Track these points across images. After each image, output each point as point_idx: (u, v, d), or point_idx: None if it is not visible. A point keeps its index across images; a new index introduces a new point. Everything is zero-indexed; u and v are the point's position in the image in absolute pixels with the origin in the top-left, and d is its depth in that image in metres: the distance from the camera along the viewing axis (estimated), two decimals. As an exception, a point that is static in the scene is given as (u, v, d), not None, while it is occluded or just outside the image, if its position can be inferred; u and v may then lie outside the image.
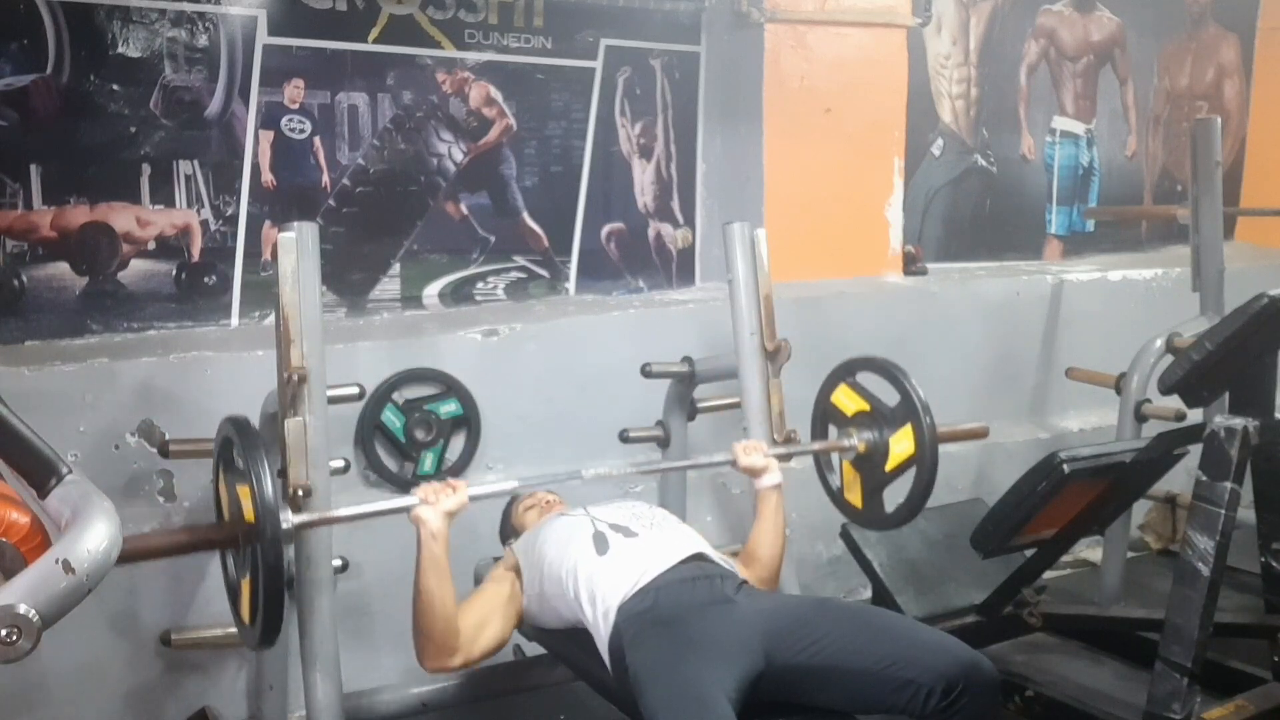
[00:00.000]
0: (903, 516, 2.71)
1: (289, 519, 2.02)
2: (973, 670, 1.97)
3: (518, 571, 2.42)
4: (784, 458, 2.60)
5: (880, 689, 1.99)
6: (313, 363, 2.19)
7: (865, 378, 2.70)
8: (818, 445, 2.74)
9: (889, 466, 2.64)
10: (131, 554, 1.93)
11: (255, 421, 2.52)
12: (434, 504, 2.16)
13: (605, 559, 2.25)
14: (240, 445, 1.98)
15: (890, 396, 2.62)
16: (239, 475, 1.98)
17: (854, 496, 2.75)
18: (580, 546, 2.29)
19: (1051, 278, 4.28)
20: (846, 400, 2.70)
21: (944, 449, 3.92)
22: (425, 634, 2.18)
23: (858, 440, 2.65)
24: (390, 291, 3.39)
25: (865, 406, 2.66)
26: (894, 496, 2.68)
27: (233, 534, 2.03)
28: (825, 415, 2.78)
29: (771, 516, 2.50)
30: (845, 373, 2.71)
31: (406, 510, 2.18)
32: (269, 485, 1.91)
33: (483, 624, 2.29)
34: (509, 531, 2.69)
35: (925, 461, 2.55)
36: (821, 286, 3.81)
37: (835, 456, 2.75)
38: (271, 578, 1.91)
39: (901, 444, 2.59)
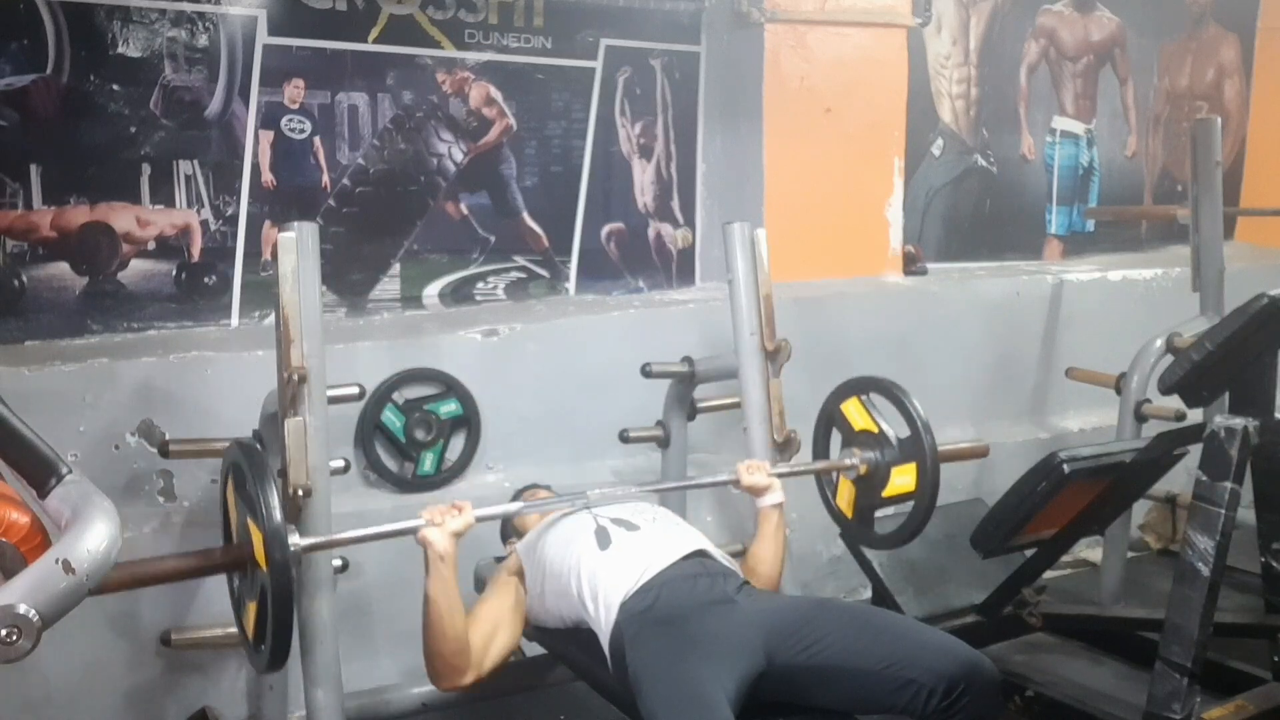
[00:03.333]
0: (890, 542, 2.75)
1: (296, 542, 2.01)
2: (974, 670, 1.97)
3: (520, 575, 2.42)
4: (786, 476, 2.59)
5: (881, 689, 1.99)
6: (313, 363, 2.20)
7: (878, 398, 2.69)
8: (819, 465, 2.75)
9: (886, 494, 2.65)
10: (138, 578, 1.94)
11: (256, 421, 2.54)
12: (440, 525, 2.15)
13: (607, 554, 2.25)
14: (249, 472, 1.97)
15: (899, 423, 2.62)
16: (248, 502, 1.98)
17: (845, 507, 2.75)
18: (583, 543, 2.29)
19: (1051, 278, 4.28)
20: (855, 414, 2.71)
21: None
22: (437, 655, 2.18)
23: (860, 462, 2.66)
24: (390, 291, 3.39)
25: (873, 428, 2.66)
26: (885, 519, 2.71)
27: (240, 557, 2.03)
28: (830, 419, 2.78)
29: (773, 534, 2.49)
30: (859, 389, 2.71)
31: (413, 532, 2.16)
32: (276, 511, 1.90)
33: (491, 636, 2.29)
34: (510, 531, 2.70)
35: (923, 503, 2.58)
36: (821, 286, 3.81)
37: (835, 474, 2.76)
38: (281, 605, 1.90)
39: (903, 477, 2.60)
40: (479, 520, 2.20)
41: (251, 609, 2.03)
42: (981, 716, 1.98)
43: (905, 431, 2.60)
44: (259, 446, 2.09)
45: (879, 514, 2.75)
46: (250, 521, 1.96)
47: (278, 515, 1.90)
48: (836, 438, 2.79)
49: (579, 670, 2.39)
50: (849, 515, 2.75)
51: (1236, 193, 5.08)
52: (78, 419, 2.71)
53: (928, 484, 2.55)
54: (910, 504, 2.62)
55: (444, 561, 2.13)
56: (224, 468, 2.13)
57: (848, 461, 2.67)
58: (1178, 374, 2.34)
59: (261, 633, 2.00)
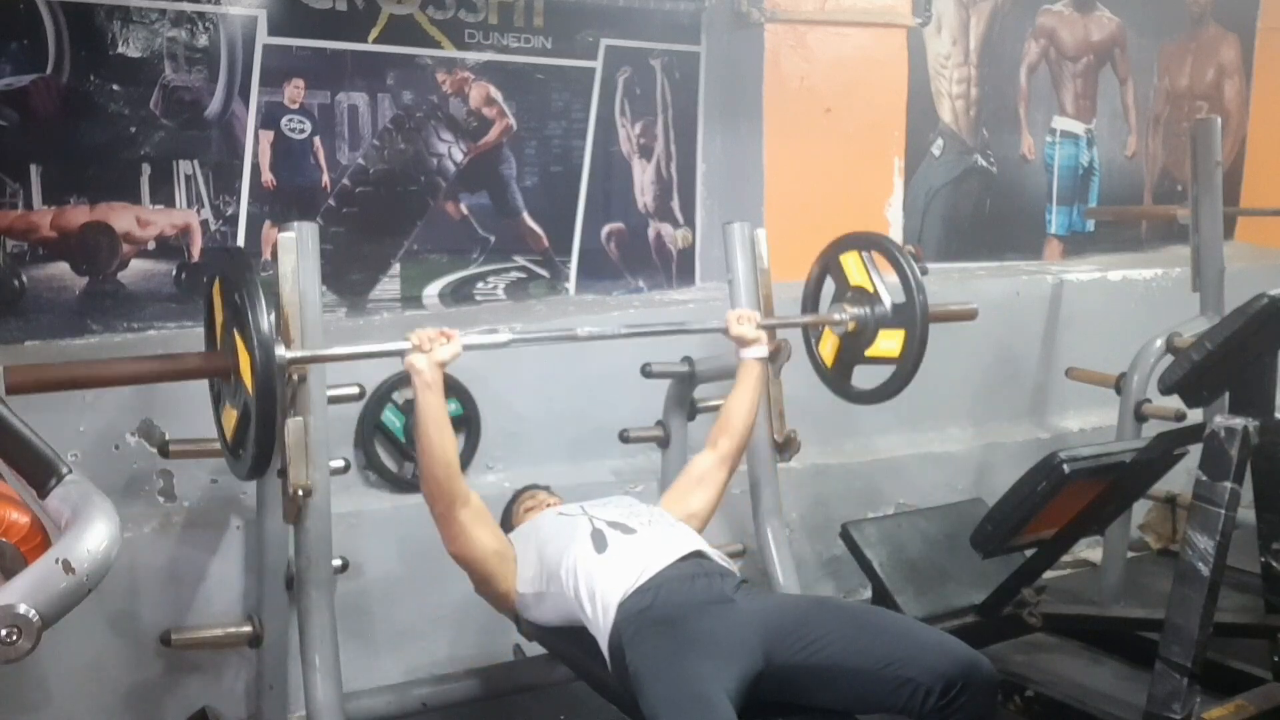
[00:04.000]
0: (865, 399, 2.78)
1: (282, 354, 2.04)
2: (972, 669, 1.97)
3: (511, 554, 2.41)
4: (774, 327, 2.65)
5: (879, 688, 1.99)
6: (313, 362, 2.20)
7: (880, 259, 2.70)
8: (809, 318, 2.78)
9: (869, 353, 2.69)
10: (118, 376, 1.97)
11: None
12: (428, 352, 2.19)
13: (604, 557, 2.25)
14: (236, 279, 1.99)
15: (896, 290, 2.63)
16: (234, 309, 2.00)
17: (826, 356, 2.79)
18: (579, 545, 2.29)
19: (1051, 278, 4.28)
20: (854, 268, 2.71)
21: (942, 449, 3.96)
22: (431, 476, 2.24)
23: (849, 318, 2.67)
24: (390, 291, 3.39)
25: (868, 286, 2.66)
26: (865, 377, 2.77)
27: (224, 365, 2.06)
28: (826, 267, 2.78)
29: (752, 386, 2.57)
30: (862, 243, 2.71)
31: (400, 354, 2.22)
32: (263, 316, 1.93)
33: (483, 516, 2.34)
34: (508, 528, 2.69)
35: (905, 369, 2.62)
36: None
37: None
38: (265, 415, 1.94)
39: (889, 341, 2.63)
40: (466, 349, 2.25)
41: (232, 416, 2.06)
42: (980, 716, 1.98)
43: (900, 297, 2.60)
44: (244, 252, 2.12)
45: (857, 370, 2.80)
46: (236, 330, 1.98)
47: (265, 321, 1.93)
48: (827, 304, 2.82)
49: (579, 670, 2.39)
50: (829, 364, 2.78)
51: (1236, 193, 5.07)
52: (78, 419, 2.71)
53: (913, 352, 2.59)
54: (892, 368, 2.65)
55: (431, 389, 2.20)
56: (209, 275, 2.15)
57: (837, 316, 2.71)
58: (1178, 374, 2.34)
59: (242, 439, 2.03)
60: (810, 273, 2.84)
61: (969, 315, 2.88)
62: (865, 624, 2.11)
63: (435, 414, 2.21)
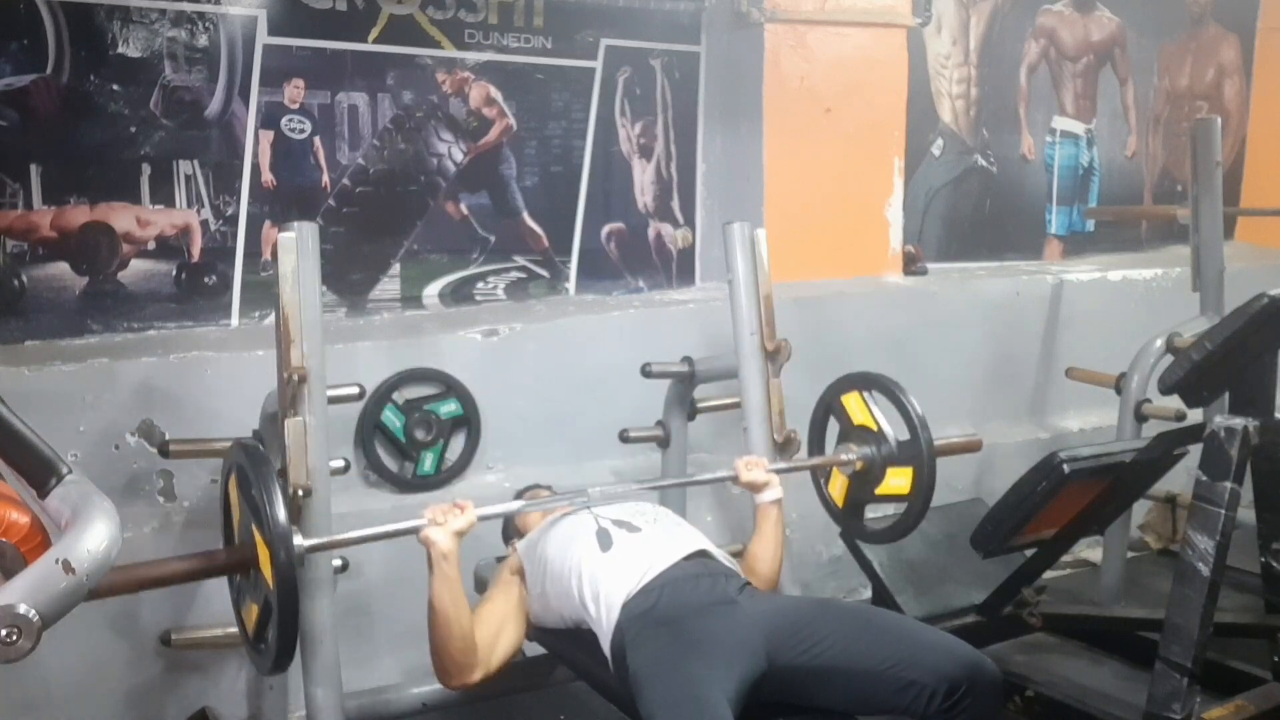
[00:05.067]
0: (880, 538, 2.77)
1: (300, 544, 2.01)
2: (975, 671, 1.97)
3: (521, 575, 2.42)
4: (785, 472, 2.60)
5: (883, 690, 1.99)
6: (313, 363, 2.20)
7: (879, 396, 2.68)
8: (816, 461, 2.75)
9: (879, 491, 2.66)
10: (140, 582, 1.94)
11: (256, 421, 2.54)
12: (443, 525, 2.14)
13: (609, 555, 2.25)
14: (252, 474, 1.97)
15: (898, 423, 2.61)
16: (251, 505, 1.98)
17: (837, 496, 2.77)
18: (584, 544, 2.29)
19: (1051, 278, 4.28)
20: (855, 408, 2.70)
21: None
22: (443, 653, 2.18)
23: (857, 458, 2.66)
24: (390, 291, 3.39)
25: (871, 425, 2.65)
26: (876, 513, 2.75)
27: (243, 559, 2.03)
28: (829, 410, 2.77)
29: (771, 531, 2.50)
30: (861, 384, 2.70)
31: (415, 531, 2.16)
32: (281, 513, 1.90)
33: (498, 634, 2.29)
34: (511, 532, 2.69)
35: (916, 507, 2.58)
36: (821, 286, 3.81)
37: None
38: (286, 608, 1.90)
39: (898, 479, 2.60)
40: (481, 519, 2.21)
41: (254, 610, 2.03)
42: (983, 717, 1.98)
43: (904, 434, 2.60)
44: (261, 447, 2.09)
45: (869, 509, 2.77)
46: (254, 525, 1.96)
47: (283, 519, 1.90)
48: (833, 429, 2.79)
49: (579, 670, 2.39)
50: (840, 505, 2.76)
51: (1236, 193, 5.07)
52: (78, 419, 2.71)
53: (922, 489, 2.55)
54: (904, 505, 2.62)
55: (447, 561, 2.13)
56: (225, 468, 2.13)
57: (844, 457, 2.68)
58: (1178, 374, 2.34)
59: (263, 634, 2.00)
60: (814, 413, 2.81)
61: (974, 447, 2.89)
62: (868, 625, 2.11)
63: (453, 590, 2.13)
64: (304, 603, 2.28)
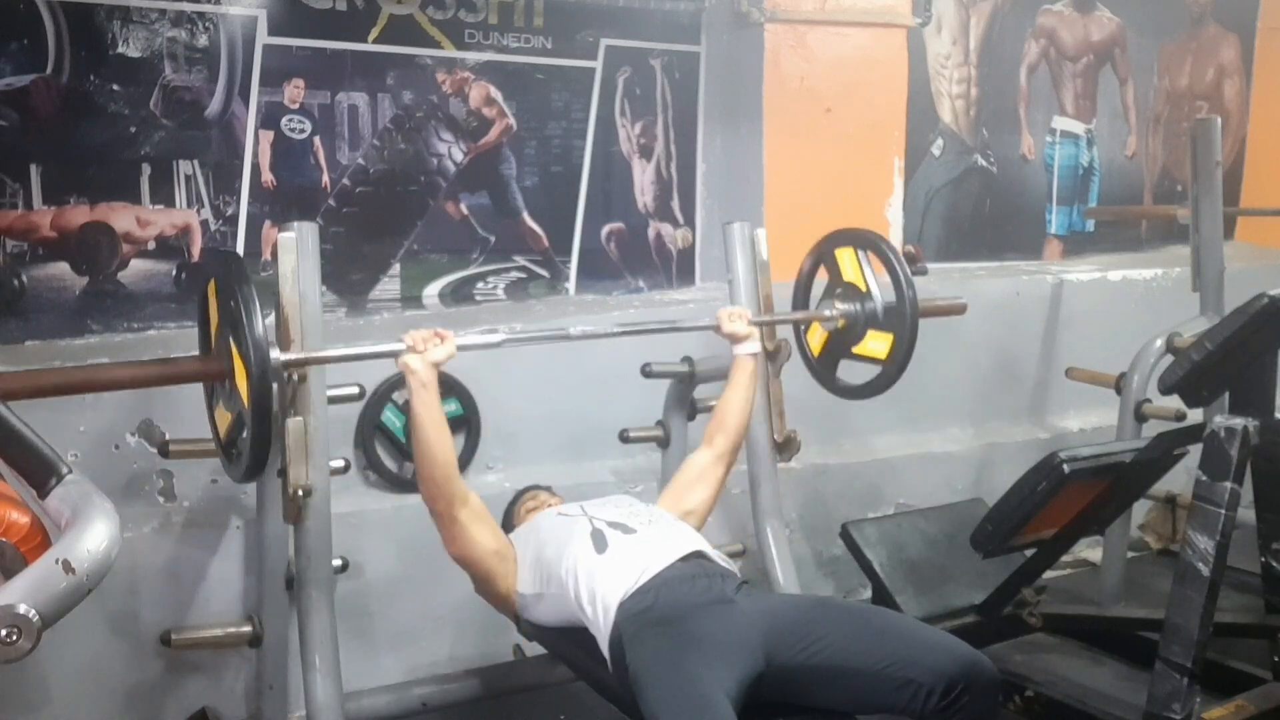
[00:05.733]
0: (849, 394, 2.81)
1: (277, 356, 2.05)
2: (973, 670, 1.97)
3: (512, 554, 2.41)
4: (765, 324, 2.66)
5: (881, 689, 1.99)
6: (313, 362, 2.20)
7: (874, 259, 2.70)
8: (800, 315, 2.79)
9: (856, 350, 2.71)
10: (115, 380, 1.98)
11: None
12: (422, 353, 2.20)
13: (604, 557, 2.25)
14: (229, 279, 1.99)
15: (888, 291, 2.63)
16: (229, 313, 2.00)
17: (814, 345, 2.81)
18: (579, 545, 2.29)
19: (1051, 278, 4.28)
20: (848, 263, 2.71)
21: (942, 449, 3.96)
22: (429, 477, 2.25)
23: (840, 315, 2.69)
24: (390, 291, 3.39)
25: (860, 284, 2.67)
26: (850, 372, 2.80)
27: (218, 369, 2.06)
28: (820, 259, 2.79)
29: (745, 382, 2.59)
30: (860, 242, 2.71)
31: (394, 355, 2.23)
32: (257, 320, 1.94)
33: (482, 514, 2.34)
34: (509, 529, 2.69)
35: (891, 372, 2.63)
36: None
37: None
38: (260, 418, 1.94)
39: (877, 343, 2.65)
40: (460, 349, 2.26)
41: (227, 418, 2.07)
42: (981, 716, 1.98)
43: (891, 298, 2.60)
44: (239, 256, 2.13)
45: (843, 364, 2.82)
46: (231, 336, 1.99)
47: (259, 325, 1.93)
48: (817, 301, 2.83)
49: (579, 670, 2.39)
50: (815, 354, 2.79)
51: (1236, 193, 5.07)
52: (78, 419, 2.71)
53: (899, 357, 2.60)
54: (879, 369, 2.67)
55: (426, 389, 2.21)
56: (204, 278, 2.15)
57: (827, 313, 2.73)
58: (1178, 374, 2.34)
59: (235, 441, 2.04)
60: (803, 265, 2.84)
61: (958, 310, 2.89)
62: (866, 624, 2.11)
63: (431, 414, 2.22)
64: (301, 598, 2.29)
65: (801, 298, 2.85)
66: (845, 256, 2.71)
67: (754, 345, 2.60)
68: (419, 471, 2.27)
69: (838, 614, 2.18)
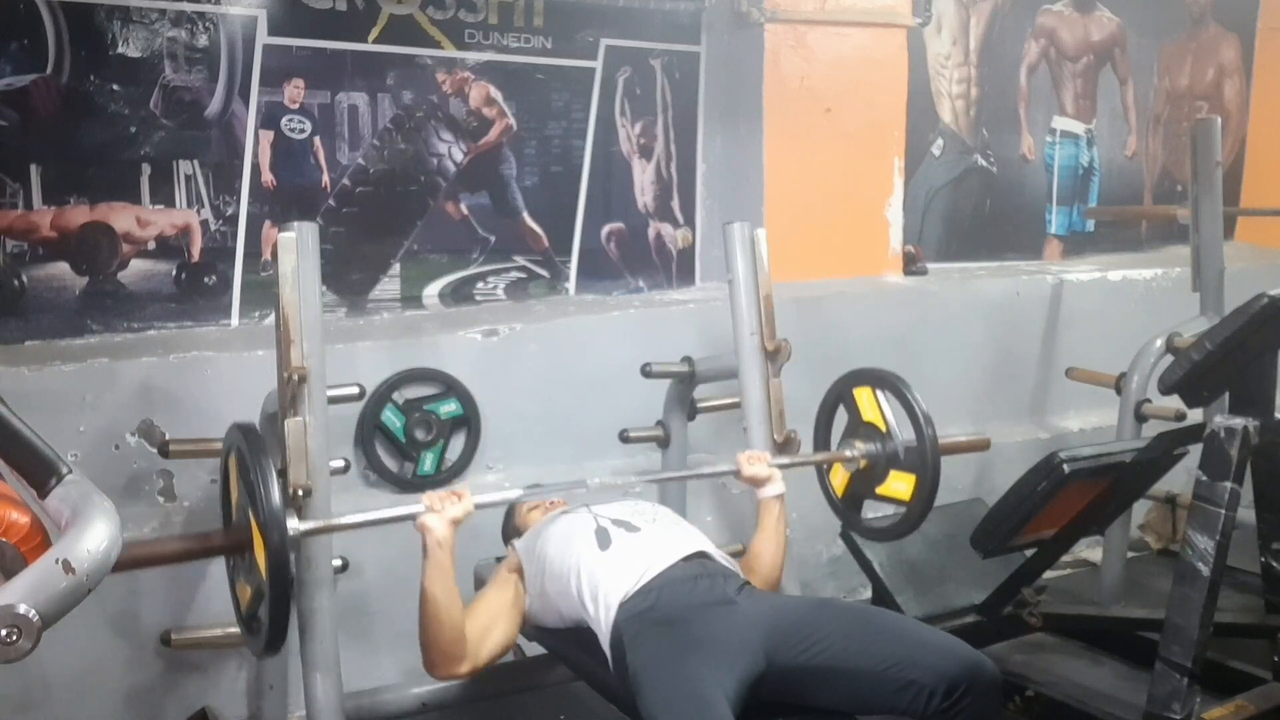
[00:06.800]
0: (875, 535, 2.77)
1: (295, 526, 2.02)
2: (975, 670, 1.97)
3: (520, 573, 2.42)
4: (787, 468, 2.59)
5: (882, 690, 1.99)
6: (313, 363, 2.20)
7: (891, 397, 2.66)
8: (820, 456, 2.72)
9: (880, 491, 2.63)
10: (137, 560, 1.95)
11: (256, 421, 2.53)
12: (440, 512, 2.15)
13: (608, 554, 2.25)
14: (247, 454, 1.97)
15: (906, 426, 2.58)
16: (247, 487, 1.98)
17: (838, 487, 2.76)
18: (582, 543, 2.29)
19: (1051, 278, 4.28)
20: (866, 403, 2.68)
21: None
22: (432, 643, 2.18)
23: (860, 455, 2.64)
24: (390, 291, 3.39)
25: (880, 424, 2.63)
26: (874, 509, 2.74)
27: (238, 541, 2.03)
28: (839, 399, 2.76)
29: (774, 526, 2.49)
30: (876, 381, 2.67)
31: (411, 518, 2.17)
32: (274, 494, 1.90)
33: (489, 628, 2.29)
34: (511, 532, 2.69)
35: (914, 514, 2.56)
36: (821, 286, 3.81)
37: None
38: (279, 590, 1.90)
39: (900, 483, 2.58)
40: (478, 507, 2.21)
41: (247, 591, 2.03)
42: (983, 717, 1.98)
43: (911, 438, 2.58)
44: (259, 430, 2.09)
45: (867, 504, 2.75)
46: (249, 508, 1.96)
47: (276, 499, 1.90)
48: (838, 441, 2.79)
49: (579, 670, 2.39)
50: (839, 495, 2.76)
51: (1236, 193, 5.07)
52: (78, 419, 2.71)
53: (923, 497, 2.53)
54: (903, 509, 2.62)
55: (442, 548, 2.14)
56: (225, 450, 2.13)
57: (848, 454, 2.66)
58: (1178, 374, 2.34)
59: (257, 616, 2.00)
60: (823, 401, 2.78)
61: (980, 446, 2.86)
62: (867, 625, 2.11)
63: (444, 576, 2.14)
64: (304, 601, 2.28)
65: (822, 436, 2.79)
66: (863, 396, 2.67)
67: (778, 487, 2.49)
68: (423, 634, 2.18)
69: (839, 615, 2.18)
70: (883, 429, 2.62)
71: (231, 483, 2.11)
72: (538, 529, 2.47)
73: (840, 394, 2.74)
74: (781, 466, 2.55)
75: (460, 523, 2.17)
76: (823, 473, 2.78)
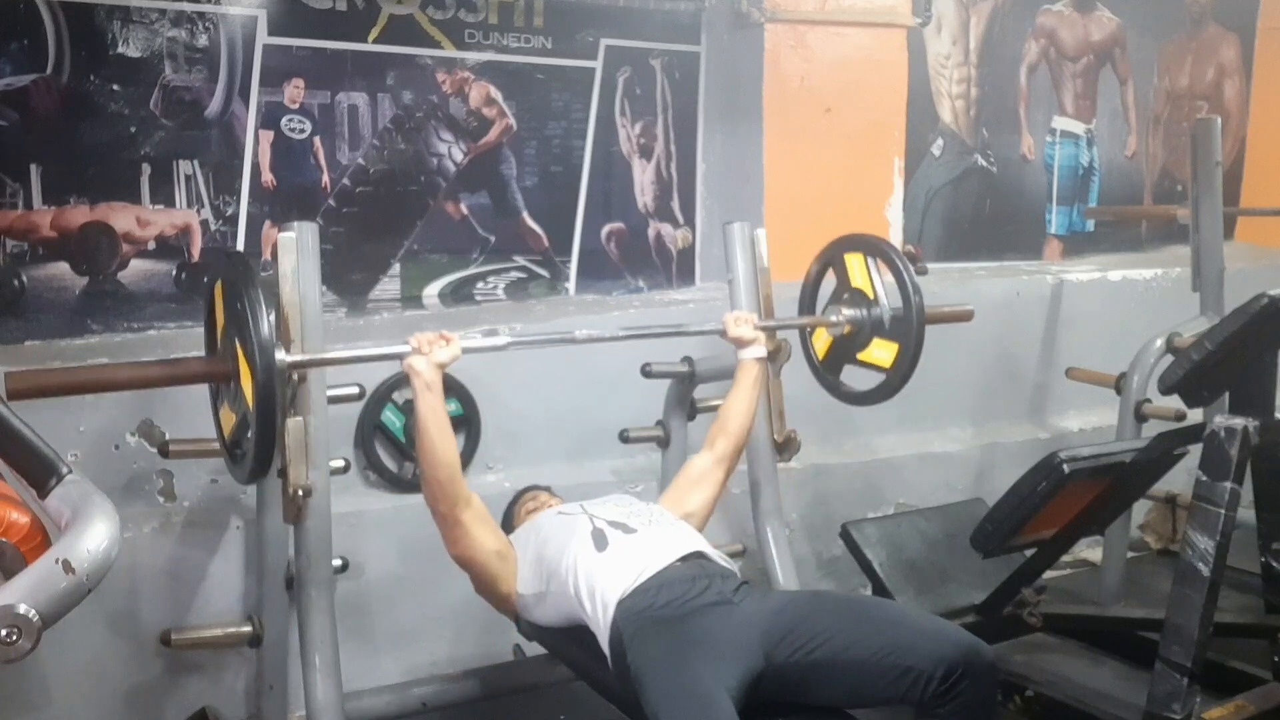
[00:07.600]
0: (850, 399, 2.81)
1: (283, 358, 2.05)
2: (971, 654, 1.97)
3: (511, 555, 2.41)
4: (771, 329, 2.66)
5: (880, 679, 1.99)
6: (313, 362, 2.20)
7: (883, 266, 2.70)
8: (806, 320, 2.79)
9: (861, 357, 2.70)
10: (121, 381, 1.98)
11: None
12: (427, 355, 2.21)
13: (604, 556, 2.25)
14: (237, 281, 1.99)
15: (894, 295, 2.63)
16: (235, 315, 2.00)
17: (819, 349, 2.81)
18: (579, 544, 2.29)
19: (1051, 278, 4.28)
20: (856, 269, 2.70)
21: (942, 449, 3.96)
22: (432, 479, 2.25)
23: (845, 322, 2.68)
24: (390, 291, 3.39)
25: (869, 291, 2.66)
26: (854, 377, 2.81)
27: (224, 370, 2.06)
28: (829, 263, 2.78)
29: (750, 387, 2.58)
30: (868, 248, 2.70)
31: (399, 357, 2.24)
32: (264, 321, 1.93)
33: (487, 520, 2.34)
34: (510, 530, 2.69)
35: (893, 382, 2.63)
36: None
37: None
38: (265, 420, 1.94)
39: (882, 351, 2.64)
40: (465, 352, 2.26)
41: (231, 418, 2.07)
42: (980, 701, 1.98)
43: (899, 305, 2.60)
44: (246, 259, 2.12)
45: (847, 369, 2.82)
46: (237, 337, 1.98)
47: (265, 326, 1.93)
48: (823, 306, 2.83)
49: (579, 670, 2.39)
50: (820, 358, 2.80)
51: (1236, 193, 5.07)
52: (78, 419, 2.71)
53: (904, 367, 2.60)
54: (882, 376, 2.66)
55: (431, 390, 2.21)
56: (211, 278, 2.15)
57: (833, 319, 2.72)
58: (1178, 374, 2.34)
59: (240, 441, 2.04)
60: (811, 268, 2.84)
61: (964, 316, 2.88)
62: (863, 615, 2.11)
63: (436, 416, 2.22)
64: (301, 598, 2.29)
65: (808, 301, 2.85)
66: (854, 262, 2.71)
67: (760, 350, 2.60)
68: (422, 474, 2.27)
69: (835, 607, 2.17)
70: (870, 296, 2.64)
71: (217, 310, 2.12)
72: (531, 525, 2.47)
73: (830, 259, 2.76)
74: (766, 328, 2.63)
75: (446, 366, 2.24)
76: (806, 336, 2.83)
